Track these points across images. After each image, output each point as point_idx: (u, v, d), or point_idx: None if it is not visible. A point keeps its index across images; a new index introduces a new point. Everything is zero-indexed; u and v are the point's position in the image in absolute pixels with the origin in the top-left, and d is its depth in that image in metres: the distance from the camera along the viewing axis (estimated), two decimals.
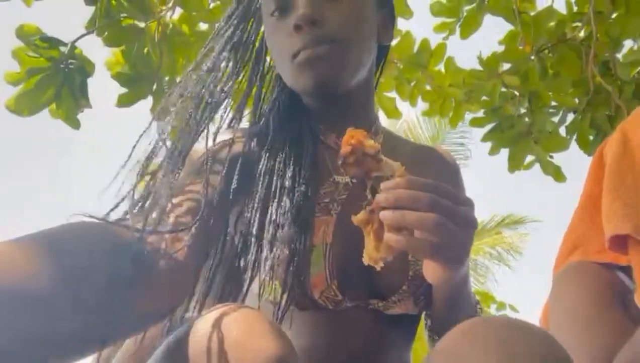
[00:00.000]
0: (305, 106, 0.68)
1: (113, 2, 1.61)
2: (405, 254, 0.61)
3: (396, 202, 0.47)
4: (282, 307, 0.58)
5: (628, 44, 1.95)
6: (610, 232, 0.72)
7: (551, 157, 1.88)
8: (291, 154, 0.62)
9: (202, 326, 0.45)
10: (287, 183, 0.60)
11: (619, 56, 1.87)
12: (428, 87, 1.89)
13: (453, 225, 0.47)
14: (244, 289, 0.59)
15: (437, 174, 0.66)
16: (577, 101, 1.92)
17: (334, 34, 0.61)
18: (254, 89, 0.70)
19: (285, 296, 0.57)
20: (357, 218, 0.49)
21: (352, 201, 0.61)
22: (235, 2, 0.68)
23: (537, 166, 1.98)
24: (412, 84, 1.90)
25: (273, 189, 0.60)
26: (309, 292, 0.59)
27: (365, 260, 0.49)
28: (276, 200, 0.59)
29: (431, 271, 0.54)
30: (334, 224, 0.61)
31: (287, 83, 0.66)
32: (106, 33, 1.58)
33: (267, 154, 0.62)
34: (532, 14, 1.84)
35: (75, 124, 1.35)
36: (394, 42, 1.86)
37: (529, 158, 1.92)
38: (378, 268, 0.49)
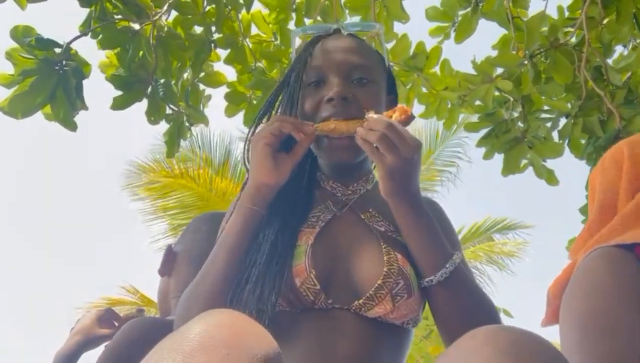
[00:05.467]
0: (313, 166, 0.85)
1: (108, 4, 1.60)
2: (379, 253, 0.72)
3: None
4: (269, 298, 0.66)
5: (619, 49, 1.99)
6: None
7: (544, 161, 1.90)
8: (290, 188, 0.78)
9: (192, 328, 0.48)
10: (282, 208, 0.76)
11: (610, 61, 1.90)
12: (424, 90, 1.90)
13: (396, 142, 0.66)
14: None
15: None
16: (569, 105, 1.95)
17: (356, 113, 0.77)
18: None
19: (271, 285, 0.67)
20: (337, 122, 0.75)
21: (334, 222, 0.77)
22: (290, 68, 0.86)
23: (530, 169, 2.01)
24: (408, 87, 1.91)
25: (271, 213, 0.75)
26: (291, 280, 0.68)
27: (320, 125, 0.75)
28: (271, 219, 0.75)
29: (382, 185, 0.69)
30: (317, 233, 0.74)
31: (315, 150, 0.82)
32: (101, 36, 1.57)
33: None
34: (525, 19, 1.87)
35: (72, 126, 1.33)
36: (389, 45, 1.88)
37: (523, 162, 1.94)
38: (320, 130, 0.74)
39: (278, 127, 0.72)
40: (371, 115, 0.71)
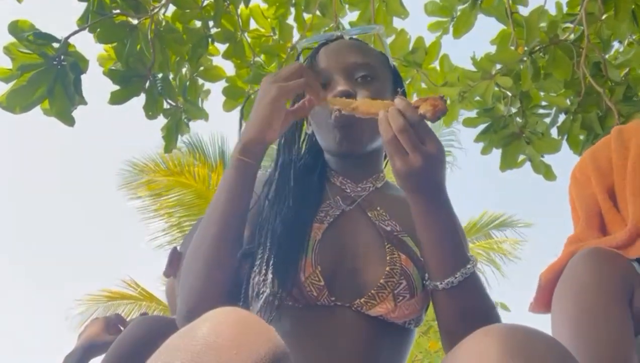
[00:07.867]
0: (324, 161, 0.86)
1: None
2: (383, 252, 0.72)
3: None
4: (273, 292, 0.66)
5: (616, 46, 1.99)
6: None
7: (542, 156, 1.91)
8: (299, 185, 0.79)
9: (201, 327, 0.47)
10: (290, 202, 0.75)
11: (607, 57, 1.90)
12: (423, 85, 1.90)
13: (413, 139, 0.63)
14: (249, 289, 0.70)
15: None
16: (568, 101, 1.95)
17: None
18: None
19: (275, 278, 0.67)
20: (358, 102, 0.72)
21: (342, 218, 0.76)
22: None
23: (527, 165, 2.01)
24: (408, 82, 1.90)
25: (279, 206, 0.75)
26: (297, 274, 0.68)
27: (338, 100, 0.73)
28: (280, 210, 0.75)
29: (399, 182, 0.67)
30: (325, 229, 0.74)
31: (322, 141, 0.84)
32: (98, 30, 1.56)
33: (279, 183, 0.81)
34: (524, 15, 1.87)
35: (70, 122, 1.32)
36: (388, 40, 1.87)
37: (520, 157, 1.95)
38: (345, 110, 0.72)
39: (302, 85, 0.70)
40: (399, 100, 0.65)
